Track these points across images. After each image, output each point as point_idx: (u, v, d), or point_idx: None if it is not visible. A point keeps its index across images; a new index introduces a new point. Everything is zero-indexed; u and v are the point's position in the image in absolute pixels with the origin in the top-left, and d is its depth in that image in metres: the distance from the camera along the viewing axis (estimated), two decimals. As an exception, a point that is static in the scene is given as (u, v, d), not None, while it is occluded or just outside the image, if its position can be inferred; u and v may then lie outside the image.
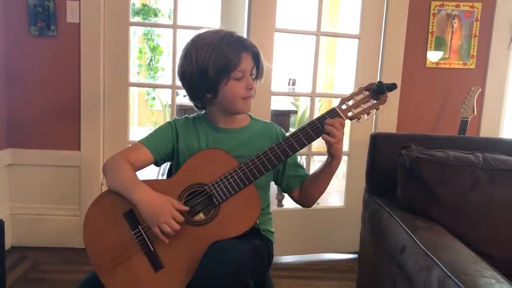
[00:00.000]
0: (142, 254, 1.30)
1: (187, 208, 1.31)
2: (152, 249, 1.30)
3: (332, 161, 1.37)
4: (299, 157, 3.87)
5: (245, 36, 1.51)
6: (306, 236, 2.73)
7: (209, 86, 1.38)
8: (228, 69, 1.35)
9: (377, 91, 1.33)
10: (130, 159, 1.40)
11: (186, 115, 1.54)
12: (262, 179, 1.36)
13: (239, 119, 1.49)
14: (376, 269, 1.75)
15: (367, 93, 1.35)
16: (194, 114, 1.53)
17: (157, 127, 1.52)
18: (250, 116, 1.53)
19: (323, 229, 2.74)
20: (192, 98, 1.47)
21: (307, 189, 1.47)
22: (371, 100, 1.35)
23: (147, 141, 1.45)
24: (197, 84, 1.39)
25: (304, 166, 1.54)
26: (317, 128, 1.33)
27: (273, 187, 1.57)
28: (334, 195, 3.65)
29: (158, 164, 1.49)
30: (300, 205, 1.54)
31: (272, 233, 1.54)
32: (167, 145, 1.47)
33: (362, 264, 1.98)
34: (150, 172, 3.61)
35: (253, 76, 1.42)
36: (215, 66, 1.34)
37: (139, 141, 1.45)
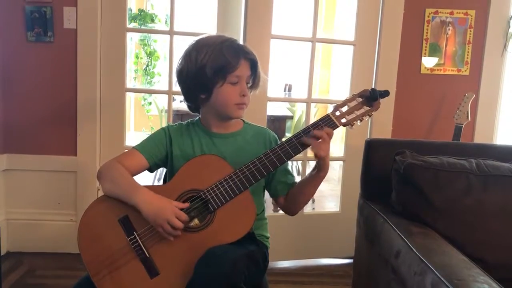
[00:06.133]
0: (138, 261, 1.30)
1: (187, 204, 1.31)
2: (147, 255, 1.30)
3: (320, 173, 1.38)
4: (295, 163, 3.90)
5: (241, 42, 1.54)
6: (301, 241, 2.74)
7: (204, 86, 1.38)
8: (225, 70, 1.36)
9: (370, 98, 1.35)
10: (125, 164, 1.40)
11: (180, 122, 1.55)
12: (256, 184, 1.36)
13: (232, 123, 1.49)
14: (371, 274, 1.76)
15: (360, 99, 1.36)
16: (188, 120, 1.54)
17: (151, 133, 1.53)
18: (243, 120, 1.53)
19: (318, 234, 2.75)
20: (186, 98, 1.48)
21: (293, 197, 1.48)
22: (364, 107, 1.36)
23: (141, 147, 1.46)
24: (193, 82, 1.40)
25: (300, 172, 1.55)
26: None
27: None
28: (330, 200, 3.63)
29: (151, 170, 1.50)
30: (285, 212, 1.54)
31: (268, 238, 1.54)
32: (161, 151, 1.48)
33: (357, 269, 1.99)
34: (146, 178, 3.62)
35: (249, 85, 1.43)
36: (213, 66, 1.35)
37: (133, 147, 1.46)
